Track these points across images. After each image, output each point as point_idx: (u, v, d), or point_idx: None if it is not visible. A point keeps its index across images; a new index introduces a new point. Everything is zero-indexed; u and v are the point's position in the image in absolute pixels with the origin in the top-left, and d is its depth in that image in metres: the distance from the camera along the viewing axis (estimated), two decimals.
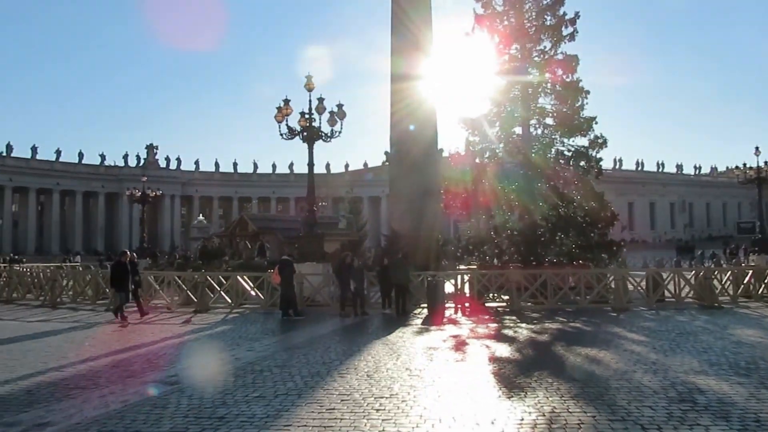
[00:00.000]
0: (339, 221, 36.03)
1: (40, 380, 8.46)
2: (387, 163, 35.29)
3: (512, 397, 7.15)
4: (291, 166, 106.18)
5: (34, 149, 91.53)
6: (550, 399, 6.99)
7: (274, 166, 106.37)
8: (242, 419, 6.33)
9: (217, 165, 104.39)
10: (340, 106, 24.54)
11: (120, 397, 7.30)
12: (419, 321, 15.77)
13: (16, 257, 56.60)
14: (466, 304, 18.48)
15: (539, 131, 29.65)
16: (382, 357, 10.14)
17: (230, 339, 12.72)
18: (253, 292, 19.83)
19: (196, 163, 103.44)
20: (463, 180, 29.72)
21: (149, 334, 13.55)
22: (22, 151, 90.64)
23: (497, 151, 30.36)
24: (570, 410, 6.53)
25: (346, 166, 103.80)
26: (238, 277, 20.28)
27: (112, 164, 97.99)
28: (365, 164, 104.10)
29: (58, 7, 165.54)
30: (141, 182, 54.43)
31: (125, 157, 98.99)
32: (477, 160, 30.02)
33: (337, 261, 18.68)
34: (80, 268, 33.96)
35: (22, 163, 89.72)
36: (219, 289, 19.86)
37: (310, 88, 23.76)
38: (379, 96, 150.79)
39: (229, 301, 19.56)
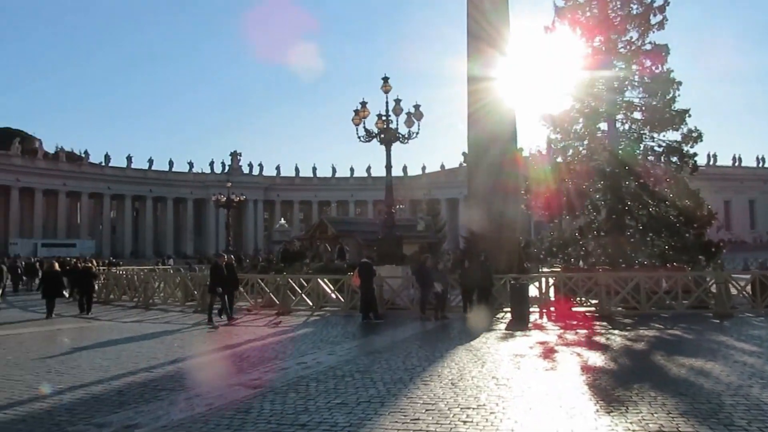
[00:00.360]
0: (417, 223, 35.74)
1: (130, 381, 8.67)
2: (464, 165, 34.71)
3: (612, 411, 6.57)
4: (368, 169, 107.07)
5: (129, 159, 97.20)
6: (656, 415, 6.36)
7: (352, 170, 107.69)
8: (324, 427, 6.15)
9: (297, 170, 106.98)
10: (417, 107, 24.34)
11: (205, 399, 7.33)
12: (503, 326, 15.20)
13: (114, 260, 60.24)
14: (552, 309, 17.72)
15: (626, 126, 28.23)
16: (466, 364, 9.74)
17: (311, 342, 12.70)
18: (333, 295, 19.90)
19: (277, 168, 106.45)
20: (545, 179, 28.70)
21: (234, 336, 13.78)
22: (118, 161, 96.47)
23: (581, 148, 29.11)
24: (680, 429, 5.90)
25: (423, 168, 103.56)
26: (319, 280, 20.42)
27: (200, 171, 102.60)
28: (442, 166, 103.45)
29: (145, 26, 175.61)
30: (226, 188, 56.53)
31: (211, 164, 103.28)
32: (559, 159, 28.92)
33: (417, 263, 18.38)
34: (171, 271, 35.51)
35: (119, 172, 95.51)
36: (300, 291, 20.06)
37: (386, 90, 23.69)
38: (455, 97, 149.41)
39: (310, 303, 19.72)
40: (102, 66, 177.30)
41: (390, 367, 9.46)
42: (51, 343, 12.96)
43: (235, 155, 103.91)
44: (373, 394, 7.58)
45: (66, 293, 22.47)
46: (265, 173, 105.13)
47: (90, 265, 22.76)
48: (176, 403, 7.20)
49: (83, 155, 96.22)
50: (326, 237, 41.09)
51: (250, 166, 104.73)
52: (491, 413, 6.60)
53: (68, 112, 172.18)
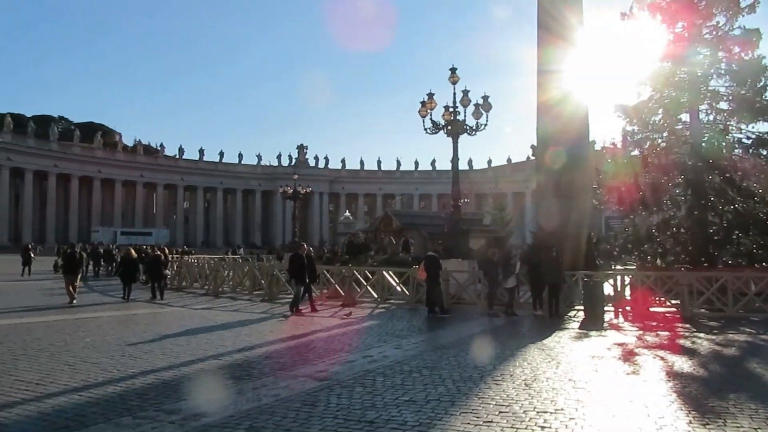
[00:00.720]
0: (483, 217, 35.04)
1: (199, 367, 8.73)
2: (532, 158, 33.71)
3: (708, 424, 5.99)
4: (433, 162, 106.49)
5: (201, 152, 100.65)
6: (760, 431, 5.74)
7: (416, 163, 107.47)
8: (393, 426, 5.89)
9: (362, 163, 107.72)
10: (485, 97, 23.76)
11: (272, 390, 7.23)
12: (576, 325, 14.54)
13: (187, 249, 62.48)
14: (627, 308, 16.83)
15: (711, 117, 26.64)
16: (539, 364, 9.27)
17: (377, 335, 12.51)
18: (398, 288, 19.69)
19: (343, 161, 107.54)
20: (620, 173, 27.47)
21: (299, 326, 13.78)
22: (191, 154, 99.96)
23: (659, 140, 27.71)
24: None
25: (489, 161, 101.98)
26: (384, 272, 20.26)
27: (267, 164, 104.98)
28: (509, 160, 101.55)
29: (217, 23, 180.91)
30: (293, 180, 57.47)
31: (278, 157, 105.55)
32: (636, 152, 27.63)
33: (484, 258, 17.86)
34: (240, 260, 36.34)
35: (192, 165, 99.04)
36: (365, 283, 19.96)
37: (454, 81, 23.23)
38: (524, 89, 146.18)
39: (375, 296, 19.59)
40: (178, 62, 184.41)
41: (459, 364, 9.12)
42: (126, 327, 13.36)
43: (301, 148, 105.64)
44: (443, 392, 7.27)
45: (143, 278, 23.39)
46: (330, 166, 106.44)
47: (159, 253, 23.49)
48: (243, 392, 7.14)
49: (159, 148, 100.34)
50: (391, 230, 40.96)
51: (316, 159, 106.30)
52: (570, 419, 6.16)
53: (146, 107, 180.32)
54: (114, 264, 31.97)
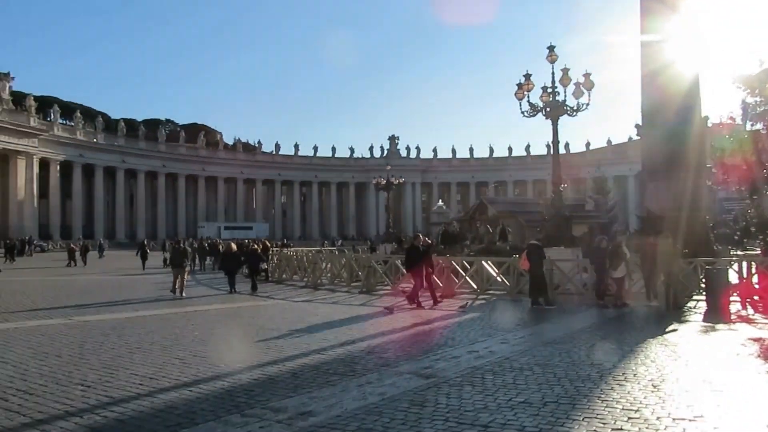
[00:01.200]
0: (586, 202, 33.32)
1: (303, 362, 8.65)
2: (635, 138, 31.55)
3: None
4: (527, 148, 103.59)
5: (296, 147, 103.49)
6: None
7: (510, 149, 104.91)
8: (510, 431, 5.43)
9: (454, 151, 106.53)
10: (587, 75, 22.35)
11: (377, 388, 6.98)
12: (697, 317, 13.31)
13: (286, 242, 64.51)
14: (756, 298, 15.21)
15: None
16: (664, 362, 8.44)
17: (480, 328, 12.01)
18: (498, 278, 19.01)
19: (434, 150, 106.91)
20: (739, 150, 25.16)
21: (400, 319, 13.54)
22: (286, 149, 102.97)
23: None
24: None
25: (587, 144, 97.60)
26: (483, 262, 19.64)
27: (360, 156, 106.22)
28: (608, 141, 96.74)
29: (308, 20, 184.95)
30: (385, 171, 57.59)
31: (371, 148, 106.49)
32: (758, 126, 25.17)
33: (591, 245, 16.78)
34: (336, 252, 36.86)
35: (287, 160, 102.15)
36: (464, 274, 19.45)
37: (552, 60, 22.03)
38: (622, 66, 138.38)
39: (474, 286, 19.04)
40: (272, 62, 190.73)
41: (573, 362, 8.47)
42: (231, 320, 13.71)
43: (393, 139, 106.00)
44: (560, 393, 6.70)
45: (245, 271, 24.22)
46: (422, 156, 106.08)
47: (256, 246, 24.33)
48: (348, 390, 6.93)
49: (257, 145, 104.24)
50: (486, 218, 39.98)
51: (408, 149, 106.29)
52: (714, 428, 5.43)
53: (244, 106, 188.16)
54: (216, 257, 33.44)
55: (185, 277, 19.69)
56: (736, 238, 25.18)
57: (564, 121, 22.23)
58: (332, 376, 7.69)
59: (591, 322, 13.20)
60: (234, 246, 23.45)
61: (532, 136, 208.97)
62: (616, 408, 6.07)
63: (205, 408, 6.18)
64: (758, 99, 25.22)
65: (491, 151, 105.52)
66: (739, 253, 27.97)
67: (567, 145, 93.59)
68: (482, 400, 6.41)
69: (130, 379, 7.50)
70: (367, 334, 11.43)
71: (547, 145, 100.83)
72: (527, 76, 22.28)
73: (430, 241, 19.47)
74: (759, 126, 25.11)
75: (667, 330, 11.58)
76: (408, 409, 6.13)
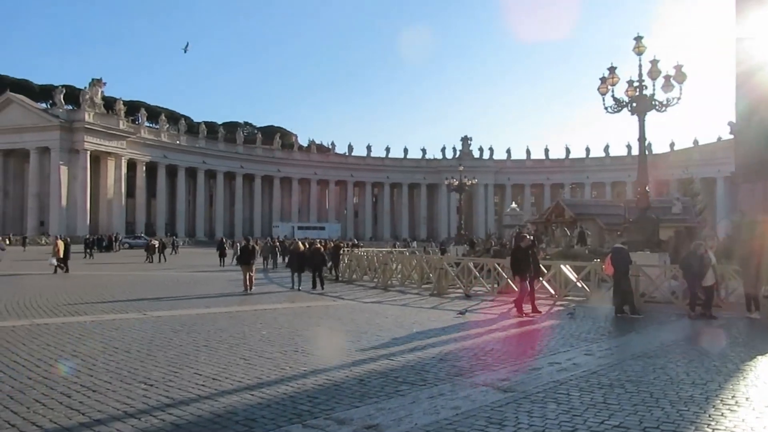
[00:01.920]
0: (672, 205, 31.25)
1: (371, 368, 8.18)
2: (723, 139, 29.33)
3: None
4: (606, 148, 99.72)
5: (368, 148, 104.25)
6: None
7: (587, 150, 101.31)
8: None
9: (528, 152, 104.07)
10: (678, 67, 20.66)
11: (450, 401, 6.39)
12: None
13: (357, 242, 64.70)
14: None
15: None
16: None
17: (560, 337, 11.15)
18: (579, 284, 17.89)
19: (508, 151, 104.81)
20: None
21: (473, 325, 12.84)
22: (359, 150, 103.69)
23: None
24: None
25: (671, 145, 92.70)
26: (562, 266, 18.56)
27: (432, 158, 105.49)
28: (695, 142, 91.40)
29: (384, 24, 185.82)
30: (457, 172, 56.62)
31: (443, 150, 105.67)
32: None
33: (689, 252, 15.39)
34: (407, 253, 36.38)
35: (360, 161, 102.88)
36: (540, 279, 18.44)
37: (639, 52, 20.55)
38: (710, 64, 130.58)
39: (552, 292, 18.02)
40: (346, 66, 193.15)
41: (671, 379, 7.55)
42: (300, 320, 13.45)
43: (465, 140, 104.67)
44: (661, 416, 5.87)
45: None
46: (495, 157, 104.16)
47: (319, 245, 24.59)
48: (419, 401, 6.37)
49: (330, 146, 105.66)
50: (563, 220, 38.39)
51: (480, 150, 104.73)
52: None
53: (318, 108, 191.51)
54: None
55: (253, 274, 20.49)
56: None
57: (660, 113, 20.62)
58: (402, 384, 7.16)
59: (684, 335, 12.04)
60: (301, 245, 24.01)
61: (612, 137, 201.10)
62: None
63: (266, 415, 5.80)
64: None
65: (567, 151, 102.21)
66: None
67: (649, 146, 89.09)
68: (570, 421, 5.68)
69: (192, 378, 7.27)
70: (439, 339, 10.83)
71: (627, 146, 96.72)
72: (612, 69, 20.92)
73: (532, 239, 18.03)
74: None
75: None
76: (485, 428, 5.50)
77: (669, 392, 6.84)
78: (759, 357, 9.25)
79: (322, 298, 18.51)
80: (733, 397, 6.68)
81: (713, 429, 5.50)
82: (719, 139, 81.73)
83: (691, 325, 13.30)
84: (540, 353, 9.41)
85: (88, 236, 51.18)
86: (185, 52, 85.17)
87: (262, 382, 7.17)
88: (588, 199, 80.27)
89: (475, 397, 6.58)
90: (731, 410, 6.14)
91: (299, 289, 20.51)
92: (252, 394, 6.59)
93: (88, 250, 43.44)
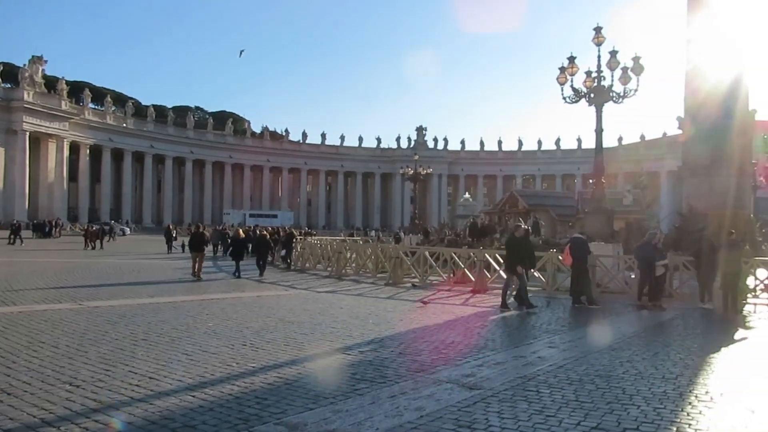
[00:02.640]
0: (624, 197, 31.68)
1: (326, 364, 7.59)
2: (675, 132, 30.02)
3: None
4: (557, 142, 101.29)
5: (323, 136, 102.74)
6: None
7: (539, 143, 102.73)
8: None
9: (482, 144, 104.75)
10: (636, 59, 20.71)
11: (413, 400, 5.86)
12: (763, 323, 11.92)
13: (311, 231, 63.70)
14: None
15: None
16: (748, 377, 7.18)
17: (522, 328, 10.83)
18: (536, 274, 17.70)
19: (462, 142, 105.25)
20: None
21: (431, 315, 12.39)
22: (313, 138, 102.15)
23: None
24: None
25: (620, 139, 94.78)
26: None
27: (386, 147, 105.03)
28: (642, 137, 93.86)
29: (331, 14, 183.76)
30: (412, 161, 56.38)
31: (398, 139, 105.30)
32: None
33: (644, 242, 15.32)
34: (360, 242, 35.79)
35: (314, 149, 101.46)
36: (498, 268, 18.22)
37: (599, 42, 20.50)
38: (653, 62, 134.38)
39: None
40: (299, 51, 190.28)
41: (640, 373, 7.23)
42: (250, 311, 12.69)
43: (420, 130, 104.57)
44: (637, 415, 5.49)
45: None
46: (449, 148, 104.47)
47: (265, 233, 25.36)
48: (379, 402, 5.82)
49: (284, 134, 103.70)
50: (517, 211, 38.53)
51: (435, 140, 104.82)
52: None
53: (272, 95, 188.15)
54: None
55: (203, 262, 20.39)
56: None
57: (617, 104, 20.60)
58: (360, 382, 6.59)
59: (644, 326, 11.92)
60: (242, 232, 23.85)
61: (563, 131, 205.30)
62: None
63: (207, 421, 5.13)
64: None
65: (520, 144, 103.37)
66: None
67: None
68: (544, 422, 5.24)
69: (126, 377, 6.50)
70: (397, 331, 10.31)
71: (578, 140, 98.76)
72: (571, 59, 20.78)
73: (527, 229, 16.95)
74: None
75: (736, 338, 10.27)
76: (454, 431, 5.00)
77: (641, 388, 6.50)
78: (722, 348, 9.12)
79: (274, 288, 17.77)
80: (707, 393, 6.39)
81: (694, 428, 5.15)
82: (664, 134, 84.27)
83: (650, 316, 13.21)
84: (503, 346, 9.02)
85: (15, 221, 47.88)
86: (240, 56, 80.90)
87: (205, 381, 6.47)
88: (541, 189, 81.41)
89: (440, 395, 6.08)
90: (707, 406, 5.83)
91: (239, 277, 20.13)
92: (193, 396, 5.89)
93: (14, 236, 40.68)
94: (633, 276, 17.20)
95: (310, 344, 8.83)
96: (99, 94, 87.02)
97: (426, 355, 8.23)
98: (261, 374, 6.85)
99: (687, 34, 27.51)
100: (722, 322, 12.41)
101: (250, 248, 24.83)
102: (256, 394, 6.04)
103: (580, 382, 6.77)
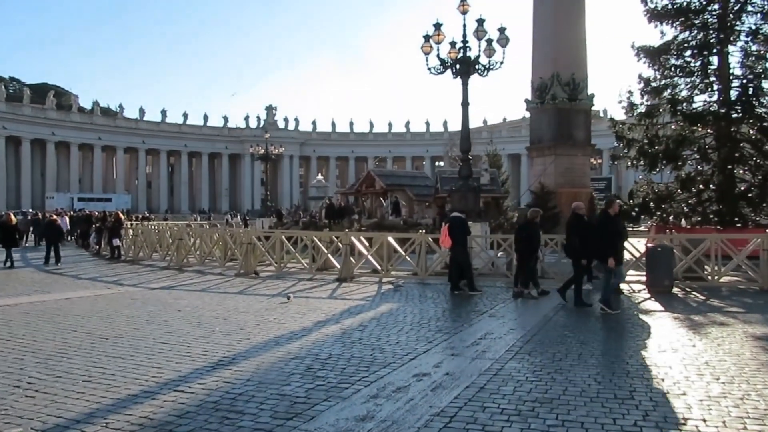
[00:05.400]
0: (481, 176, 31.49)
1: (148, 412, 4.96)
2: (528, 113, 30.71)
3: None
4: (407, 124, 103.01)
5: (163, 113, 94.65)
6: None
7: (390, 125, 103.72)
8: None
9: (333, 125, 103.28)
10: (501, 30, 19.73)
11: None
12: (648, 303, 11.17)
13: (149, 216, 57.72)
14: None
15: (743, 59, 23.41)
16: (673, 364, 5.81)
17: (409, 328, 8.82)
18: (408, 258, 16.02)
19: (314, 123, 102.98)
20: (638, 123, 24.37)
21: (295, 315, 10.01)
22: (153, 115, 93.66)
23: (685, 86, 24.51)
24: None
25: (485, 121, 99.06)
26: (390, 239, 16.53)
27: (234, 126, 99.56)
28: (504, 119, 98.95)
29: None
30: (263, 141, 52.97)
31: (246, 118, 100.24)
32: (657, 99, 24.35)
33: (525, 221, 13.75)
34: (207, 226, 32.18)
35: (153, 126, 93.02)
36: (367, 253, 16.28)
37: (464, 11, 19.21)
38: (517, 41, 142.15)
39: (378, 267, 15.98)
40: (136, 20, 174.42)
41: (583, 392, 5.52)
42: (49, 323, 9.40)
43: (270, 109, 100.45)
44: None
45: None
46: (301, 128, 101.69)
47: (54, 218, 23.41)
48: None
49: (118, 110, 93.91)
50: (374, 191, 37.24)
51: (286, 120, 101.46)
52: None
53: (104, 68, 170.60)
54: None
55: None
56: (633, 214, 24.26)
57: (482, 77, 19.54)
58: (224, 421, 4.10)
59: (543, 316, 10.41)
60: (12, 217, 21.84)
61: (413, 114, 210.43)
62: None
63: None
64: (655, 73, 24.40)
65: (371, 125, 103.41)
66: (642, 228, 27.65)
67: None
68: None
69: None
70: (254, 343, 7.82)
71: (426, 123, 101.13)
72: (437, 26, 19.30)
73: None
74: (658, 100, 24.23)
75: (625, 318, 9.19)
76: None
77: (599, 416, 4.76)
78: (653, 335, 7.86)
79: (93, 285, 14.26)
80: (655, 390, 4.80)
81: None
82: (524, 117, 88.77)
83: (548, 303, 11.65)
84: (396, 358, 6.91)
85: None
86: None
87: None
88: (398, 170, 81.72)
89: None
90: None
91: (12, 267, 18.79)
92: None
93: None
94: (500, 256, 16.22)
95: (127, 378, 6.03)
96: None
97: (296, 383, 5.85)
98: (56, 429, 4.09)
99: (533, 16, 27.85)
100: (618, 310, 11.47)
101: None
102: None
103: (519, 415, 4.86)
